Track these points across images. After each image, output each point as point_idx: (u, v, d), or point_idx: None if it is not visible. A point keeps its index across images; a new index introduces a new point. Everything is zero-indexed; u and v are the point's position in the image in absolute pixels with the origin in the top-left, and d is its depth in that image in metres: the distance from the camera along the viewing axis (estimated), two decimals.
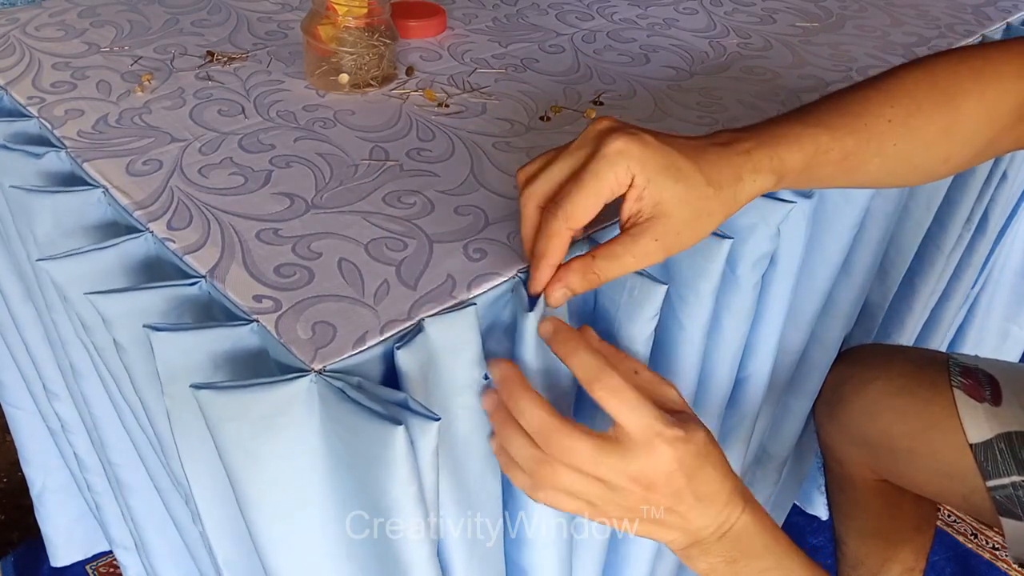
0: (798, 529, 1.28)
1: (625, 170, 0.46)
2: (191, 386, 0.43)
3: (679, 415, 0.49)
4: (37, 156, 0.59)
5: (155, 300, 0.49)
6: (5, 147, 0.59)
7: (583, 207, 0.46)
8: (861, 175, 0.55)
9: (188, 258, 0.51)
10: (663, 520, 0.49)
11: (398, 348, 0.46)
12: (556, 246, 0.47)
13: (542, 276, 0.48)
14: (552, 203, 0.47)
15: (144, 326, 0.45)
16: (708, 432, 0.50)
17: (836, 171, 0.54)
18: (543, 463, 0.47)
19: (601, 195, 0.46)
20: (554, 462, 0.47)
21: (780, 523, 1.19)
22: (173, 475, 0.58)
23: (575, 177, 0.47)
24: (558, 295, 0.48)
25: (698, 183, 0.47)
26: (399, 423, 0.41)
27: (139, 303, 0.49)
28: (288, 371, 0.45)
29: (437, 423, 0.43)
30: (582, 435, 0.46)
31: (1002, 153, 0.60)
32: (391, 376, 0.48)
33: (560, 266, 0.48)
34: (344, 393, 0.43)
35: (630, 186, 0.47)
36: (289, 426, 0.45)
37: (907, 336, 1.06)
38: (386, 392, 0.44)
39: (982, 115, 0.56)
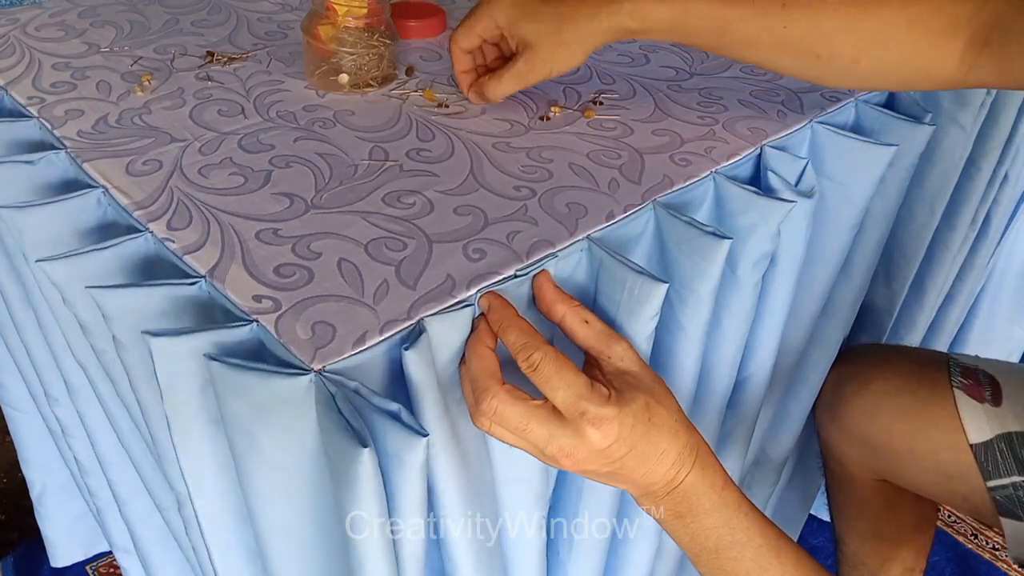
0: None
1: (490, 15, 0.64)
2: (204, 355, 0.44)
3: (621, 377, 0.49)
4: (31, 163, 0.59)
5: (155, 298, 0.49)
6: None
7: (462, 30, 0.66)
8: (755, 52, 0.61)
9: (188, 258, 0.51)
10: (608, 476, 0.50)
11: (406, 349, 0.46)
12: (453, 53, 0.68)
13: (459, 72, 0.69)
14: None
15: (143, 332, 0.45)
16: (651, 394, 0.49)
17: (721, 41, 0.61)
18: (479, 414, 0.47)
19: (474, 26, 0.65)
20: (487, 416, 0.47)
21: (796, 536, 1.19)
22: (169, 480, 0.58)
23: None
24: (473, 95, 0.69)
25: (553, 20, 0.62)
26: (365, 446, 0.41)
27: (139, 300, 0.48)
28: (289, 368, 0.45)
29: (424, 439, 0.43)
30: (513, 401, 0.47)
31: (943, 84, 0.60)
32: (392, 376, 0.48)
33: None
34: (334, 400, 0.43)
35: (502, 35, 0.65)
36: (287, 419, 0.45)
37: (917, 336, 1.06)
38: (380, 401, 0.44)
39: (898, 22, 0.57)
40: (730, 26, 0.59)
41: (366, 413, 0.44)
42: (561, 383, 0.47)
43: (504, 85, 0.65)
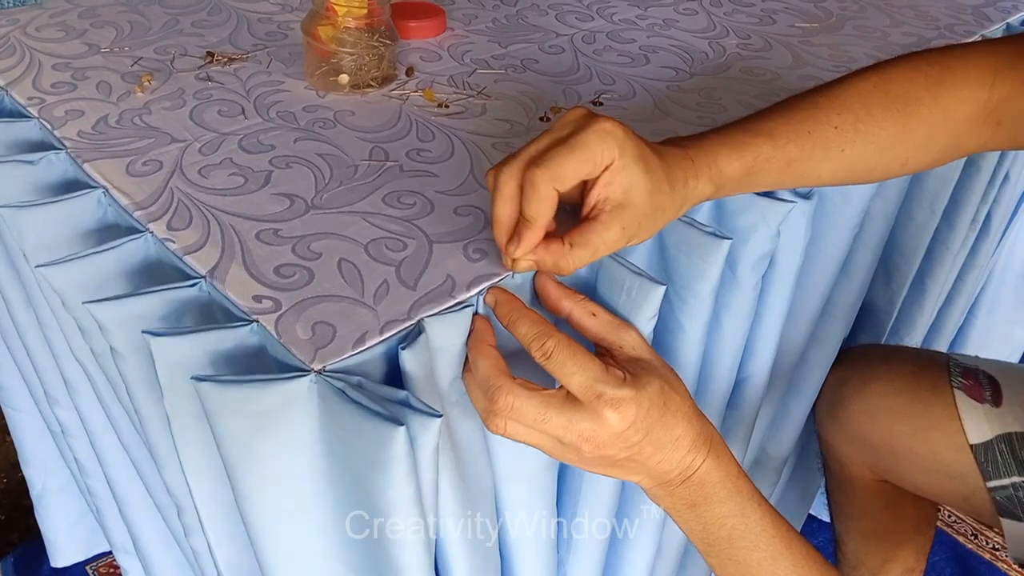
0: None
1: (611, 148, 0.46)
2: (192, 378, 0.43)
3: (634, 364, 0.49)
4: (31, 164, 0.59)
5: (154, 304, 0.49)
6: None
7: (571, 169, 0.46)
8: (813, 178, 0.57)
9: (188, 258, 0.51)
10: (623, 465, 0.49)
11: (403, 348, 0.46)
12: (547, 208, 0.46)
13: (532, 238, 0.47)
14: (536, 163, 0.46)
15: (143, 332, 0.45)
16: (665, 380, 0.49)
17: (783, 176, 0.55)
18: (493, 414, 0.47)
19: (588, 162, 0.46)
20: (502, 415, 0.47)
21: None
22: (168, 487, 0.57)
23: (563, 143, 0.46)
24: (523, 265, 0.49)
25: (660, 179, 0.49)
26: (400, 424, 0.41)
27: (137, 309, 0.48)
28: (288, 371, 0.45)
29: (439, 420, 0.43)
30: (527, 394, 0.46)
31: (968, 154, 0.62)
32: (392, 377, 0.48)
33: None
34: (344, 393, 0.43)
35: (604, 169, 0.47)
36: (288, 424, 0.45)
37: (917, 337, 1.06)
38: (386, 391, 0.44)
39: (937, 121, 0.57)
40: (793, 162, 0.55)
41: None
42: (576, 367, 0.46)
43: (592, 251, 0.48)
